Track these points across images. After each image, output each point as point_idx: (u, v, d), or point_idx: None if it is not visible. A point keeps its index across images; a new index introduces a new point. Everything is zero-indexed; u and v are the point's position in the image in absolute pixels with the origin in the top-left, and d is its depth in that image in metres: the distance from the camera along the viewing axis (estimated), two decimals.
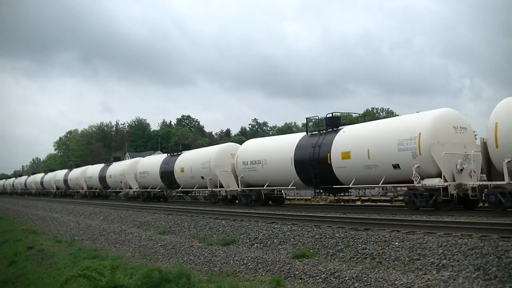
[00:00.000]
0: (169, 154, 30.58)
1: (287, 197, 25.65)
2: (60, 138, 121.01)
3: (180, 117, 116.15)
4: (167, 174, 29.03)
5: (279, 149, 21.32)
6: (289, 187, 20.94)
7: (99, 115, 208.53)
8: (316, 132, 20.18)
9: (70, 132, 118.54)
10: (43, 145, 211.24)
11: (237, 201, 23.65)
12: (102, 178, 39.54)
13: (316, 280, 8.33)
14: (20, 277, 13.36)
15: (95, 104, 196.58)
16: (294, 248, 10.45)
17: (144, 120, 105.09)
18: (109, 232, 17.88)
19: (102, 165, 42.30)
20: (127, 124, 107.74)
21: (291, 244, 10.98)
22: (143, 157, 39.81)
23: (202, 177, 25.31)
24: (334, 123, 19.61)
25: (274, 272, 9.21)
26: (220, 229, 14.23)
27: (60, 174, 52.37)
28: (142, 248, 14.04)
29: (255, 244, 11.75)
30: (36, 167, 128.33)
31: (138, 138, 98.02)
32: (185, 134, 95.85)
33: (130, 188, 34.38)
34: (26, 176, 68.02)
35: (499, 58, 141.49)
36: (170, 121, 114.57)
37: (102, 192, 41.39)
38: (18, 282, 13.01)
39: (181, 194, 32.47)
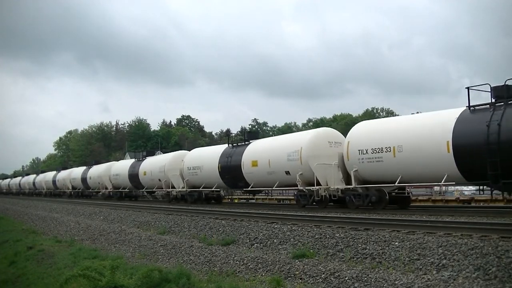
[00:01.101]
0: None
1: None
2: (60, 138, 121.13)
3: (180, 117, 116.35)
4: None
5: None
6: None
7: (98, 115, 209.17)
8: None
9: (70, 132, 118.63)
10: (42, 145, 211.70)
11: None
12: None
13: (316, 280, 8.33)
14: (20, 277, 13.37)
15: (94, 104, 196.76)
16: (294, 248, 10.45)
17: (144, 120, 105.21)
18: (109, 232, 17.88)
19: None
20: (127, 124, 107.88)
21: (291, 244, 10.98)
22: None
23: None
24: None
25: (274, 272, 9.21)
26: (220, 229, 14.23)
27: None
28: (142, 248, 14.04)
29: (255, 244, 11.76)
30: (36, 167, 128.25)
31: (138, 138, 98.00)
32: (185, 134, 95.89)
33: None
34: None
35: (498, 58, 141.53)
36: (170, 121, 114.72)
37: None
38: (18, 282, 13.02)
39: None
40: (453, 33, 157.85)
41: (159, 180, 29.59)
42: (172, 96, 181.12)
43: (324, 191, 18.04)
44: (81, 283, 8.89)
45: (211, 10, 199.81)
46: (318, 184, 18.14)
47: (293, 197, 28.95)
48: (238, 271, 9.83)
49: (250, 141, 23.60)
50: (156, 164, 30.77)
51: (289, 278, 8.77)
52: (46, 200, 44.96)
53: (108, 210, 25.59)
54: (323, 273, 8.46)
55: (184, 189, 27.15)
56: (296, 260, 9.54)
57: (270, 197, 30.81)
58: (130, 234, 16.60)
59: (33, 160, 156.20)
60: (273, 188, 21.56)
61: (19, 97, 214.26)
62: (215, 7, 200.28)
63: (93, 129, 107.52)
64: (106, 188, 38.61)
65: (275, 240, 11.58)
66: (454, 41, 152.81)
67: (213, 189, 25.56)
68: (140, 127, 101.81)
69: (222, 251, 11.57)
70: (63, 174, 51.32)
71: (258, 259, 10.18)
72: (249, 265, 9.99)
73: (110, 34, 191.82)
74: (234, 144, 24.54)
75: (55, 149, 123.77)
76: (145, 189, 33.04)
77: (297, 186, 19.16)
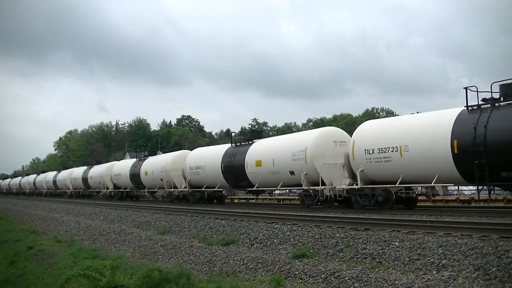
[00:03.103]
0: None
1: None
2: (60, 138, 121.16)
3: (180, 117, 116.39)
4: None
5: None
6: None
7: (96, 115, 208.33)
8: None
9: (70, 132, 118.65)
10: (42, 145, 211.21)
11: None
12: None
13: (316, 280, 8.33)
14: (20, 277, 13.37)
15: (91, 103, 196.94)
16: (294, 248, 10.45)
17: (144, 120, 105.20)
18: (109, 232, 17.89)
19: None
20: (127, 124, 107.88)
21: (291, 244, 10.98)
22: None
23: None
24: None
25: (274, 272, 9.21)
26: (220, 229, 14.23)
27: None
28: (142, 248, 14.04)
29: (255, 244, 11.76)
30: (36, 167, 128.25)
31: (138, 138, 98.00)
32: (185, 134, 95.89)
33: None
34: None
35: (497, 57, 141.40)
36: (170, 121, 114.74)
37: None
38: (18, 282, 13.02)
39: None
40: (450, 32, 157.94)
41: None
42: (170, 96, 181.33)
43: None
44: (81, 283, 8.89)
45: (206, 9, 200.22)
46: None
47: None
48: (238, 271, 9.83)
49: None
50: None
51: (289, 278, 8.77)
52: (46, 200, 44.97)
53: (108, 210, 25.59)
54: (323, 273, 8.46)
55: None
56: (296, 260, 9.54)
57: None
58: (130, 234, 16.60)
59: (33, 160, 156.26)
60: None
61: (16, 97, 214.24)
62: (209, 6, 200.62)
63: (93, 129, 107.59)
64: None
65: (275, 240, 11.58)
66: (451, 40, 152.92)
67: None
68: (140, 127, 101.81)
69: (222, 251, 11.58)
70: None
71: (258, 259, 10.19)
72: (249, 265, 9.99)
73: (107, 33, 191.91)
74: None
75: (55, 149, 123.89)
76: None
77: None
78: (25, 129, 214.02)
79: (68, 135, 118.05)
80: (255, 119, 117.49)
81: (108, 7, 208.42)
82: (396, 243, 9.16)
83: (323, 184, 17.97)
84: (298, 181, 19.11)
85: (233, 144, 24.62)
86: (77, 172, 47.19)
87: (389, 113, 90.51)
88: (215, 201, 26.87)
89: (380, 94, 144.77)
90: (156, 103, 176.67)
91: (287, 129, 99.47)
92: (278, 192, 28.20)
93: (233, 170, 23.19)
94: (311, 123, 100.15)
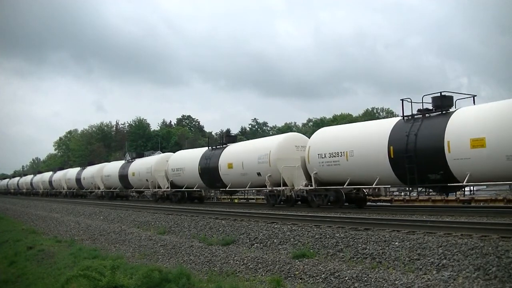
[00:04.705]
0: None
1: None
2: (60, 138, 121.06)
3: (180, 117, 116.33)
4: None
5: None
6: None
7: (94, 115, 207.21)
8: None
9: (70, 132, 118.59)
10: (41, 145, 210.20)
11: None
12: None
13: (316, 280, 8.34)
14: (20, 277, 13.38)
15: (89, 103, 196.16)
16: (294, 248, 10.45)
17: (144, 120, 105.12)
18: (109, 232, 17.89)
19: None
20: (127, 124, 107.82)
21: (291, 244, 10.98)
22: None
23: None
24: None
25: (274, 272, 9.22)
26: (220, 229, 14.24)
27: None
28: (142, 248, 14.05)
29: (255, 244, 11.76)
30: (36, 167, 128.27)
31: (138, 138, 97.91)
32: (185, 134, 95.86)
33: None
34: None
35: (495, 56, 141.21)
36: (170, 121, 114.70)
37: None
38: (18, 282, 13.04)
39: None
40: (449, 31, 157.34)
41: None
42: (168, 96, 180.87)
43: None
44: (81, 283, 8.90)
45: (202, 9, 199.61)
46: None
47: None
48: (238, 271, 9.83)
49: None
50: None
51: (289, 278, 8.77)
52: (46, 200, 45.05)
53: (108, 210, 25.60)
54: (323, 273, 8.47)
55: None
56: (296, 260, 9.54)
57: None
58: (130, 234, 16.60)
59: (33, 160, 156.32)
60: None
61: (14, 97, 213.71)
62: (205, 6, 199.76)
63: (93, 129, 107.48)
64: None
65: (275, 240, 11.58)
66: (450, 40, 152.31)
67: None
68: (140, 127, 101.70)
69: (222, 251, 11.58)
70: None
71: (258, 259, 10.19)
72: (249, 265, 10.00)
73: (104, 33, 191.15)
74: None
75: (55, 149, 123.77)
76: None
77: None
78: (24, 129, 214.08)
79: (68, 135, 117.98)
80: (255, 119, 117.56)
81: (105, 6, 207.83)
82: (396, 243, 9.16)
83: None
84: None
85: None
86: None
87: (389, 113, 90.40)
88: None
89: (379, 93, 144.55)
90: (154, 102, 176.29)
91: (287, 129, 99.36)
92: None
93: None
94: (311, 123, 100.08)
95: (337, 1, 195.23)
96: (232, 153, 23.76)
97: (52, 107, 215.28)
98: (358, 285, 7.67)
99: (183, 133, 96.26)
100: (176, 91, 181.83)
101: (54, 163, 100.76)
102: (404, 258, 8.39)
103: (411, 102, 15.96)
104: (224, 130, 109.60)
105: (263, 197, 24.79)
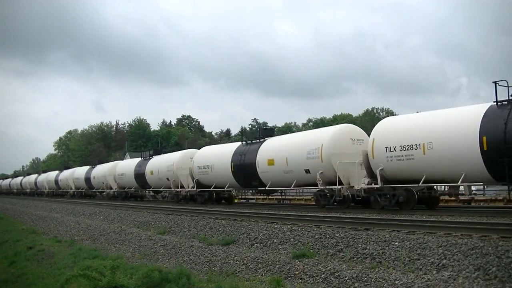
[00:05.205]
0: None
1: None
2: (60, 138, 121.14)
3: (180, 117, 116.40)
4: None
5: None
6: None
7: (94, 115, 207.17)
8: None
9: (70, 132, 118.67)
10: (40, 145, 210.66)
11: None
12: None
13: (316, 280, 8.34)
14: (20, 277, 13.39)
15: (88, 103, 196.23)
16: (294, 248, 10.45)
17: (144, 120, 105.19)
18: (109, 232, 17.89)
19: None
20: (127, 124, 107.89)
21: (291, 244, 10.98)
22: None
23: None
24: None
25: (274, 272, 9.22)
26: (220, 229, 14.24)
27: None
28: (142, 248, 14.05)
29: (255, 244, 11.76)
30: (36, 167, 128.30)
31: (138, 138, 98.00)
32: (185, 134, 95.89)
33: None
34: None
35: (495, 56, 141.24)
36: (170, 121, 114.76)
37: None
38: (18, 282, 13.04)
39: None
40: (448, 31, 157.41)
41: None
42: (168, 96, 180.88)
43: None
44: (81, 283, 8.89)
45: (201, 9, 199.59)
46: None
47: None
48: (238, 271, 9.83)
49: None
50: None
51: (289, 278, 8.77)
52: (46, 200, 44.97)
53: (108, 210, 25.60)
54: (323, 273, 8.47)
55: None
56: (296, 260, 9.55)
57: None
58: (130, 234, 16.60)
59: (33, 160, 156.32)
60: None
61: (13, 97, 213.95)
62: (204, 6, 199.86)
63: (93, 129, 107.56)
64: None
65: (275, 240, 11.58)
66: (449, 39, 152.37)
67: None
68: (140, 127, 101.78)
69: (222, 251, 11.58)
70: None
71: (258, 259, 10.19)
72: (249, 265, 10.00)
73: (103, 32, 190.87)
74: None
75: (55, 149, 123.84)
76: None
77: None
78: (24, 129, 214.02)
79: (68, 135, 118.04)
80: (255, 119, 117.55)
81: (104, 6, 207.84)
82: (396, 243, 9.17)
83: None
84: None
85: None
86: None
87: (389, 113, 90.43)
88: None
89: (379, 93, 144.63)
90: (153, 103, 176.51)
91: (287, 129, 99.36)
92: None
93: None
94: (311, 123, 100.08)
95: (337, 1, 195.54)
96: (272, 148, 21.23)
97: (51, 107, 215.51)
98: (358, 285, 7.67)
99: (183, 133, 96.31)
100: (176, 91, 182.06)
101: (54, 163, 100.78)
102: (404, 258, 8.39)
103: (507, 86, 13.49)
104: (224, 130, 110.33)
105: (311, 197, 22.36)
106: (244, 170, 22.30)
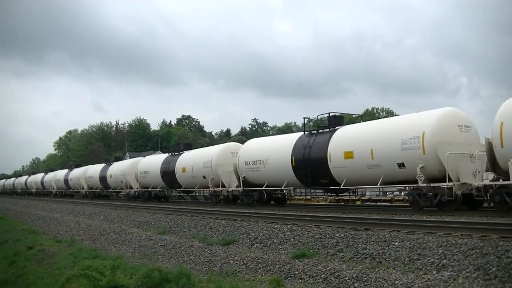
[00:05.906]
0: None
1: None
2: (60, 138, 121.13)
3: (180, 117, 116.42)
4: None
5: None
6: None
7: (93, 115, 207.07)
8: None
9: (70, 132, 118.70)
10: (40, 145, 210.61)
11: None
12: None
13: (316, 280, 8.34)
14: (20, 277, 13.39)
15: (88, 103, 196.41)
16: (294, 248, 10.45)
17: (144, 120, 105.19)
18: (109, 232, 17.89)
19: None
20: (127, 124, 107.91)
21: (291, 244, 10.98)
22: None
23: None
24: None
25: (274, 272, 9.22)
26: (220, 229, 14.24)
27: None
28: (142, 248, 14.05)
29: (255, 244, 11.76)
30: (36, 167, 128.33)
31: (138, 138, 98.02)
32: (185, 134, 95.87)
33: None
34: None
35: (494, 56, 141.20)
36: (170, 121, 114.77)
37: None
38: (18, 282, 13.04)
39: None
40: (447, 31, 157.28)
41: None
42: (167, 96, 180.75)
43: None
44: (81, 283, 8.90)
45: (200, 8, 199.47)
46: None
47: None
48: (238, 271, 9.83)
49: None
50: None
51: (289, 278, 8.77)
52: (46, 200, 44.90)
53: (108, 210, 25.59)
54: (323, 273, 8.47)
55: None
56: (296, 260, 9.55)
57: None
58: (130, 234, 16.60)
59: (33, 160, 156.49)
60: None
61: (12, 97, 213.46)
62: (203, 6, 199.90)
63: (93, 129, 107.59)
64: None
65: (275, 240, 11.58)
66: (449, 39, 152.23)
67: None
68: (140, 127, 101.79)
69: (222, 251, 11.58)
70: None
71: (258, 259, 10.19)
72: (249, 265, 10.00)
73: (102, 32, 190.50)
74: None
75: (55, 149, 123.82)
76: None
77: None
78: (24, 129, 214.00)
79: (68, 135, 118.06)
80: (255, 119, 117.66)
81: (103, 6, 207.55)
82: (396, 243, 9.16)
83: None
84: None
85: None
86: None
87: (389, 113, 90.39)
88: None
89: (379, 93, 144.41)
90: (153, 102, 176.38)
91: (288, 129, 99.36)
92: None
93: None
94: (311, 123, 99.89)
95: (336, 1, 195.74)
96: (349, 137, 18.09)
97: (51, 107, 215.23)
98: (358, 285, 7.67)
99: (183, 133, 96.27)
100: (175, 91, 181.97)
101: (54, 163, 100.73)
102: (404, 258, 8.39)
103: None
104: (224, 130, 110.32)
105: (405, 198, 20.31)
106: (310, 165, 19.06)
